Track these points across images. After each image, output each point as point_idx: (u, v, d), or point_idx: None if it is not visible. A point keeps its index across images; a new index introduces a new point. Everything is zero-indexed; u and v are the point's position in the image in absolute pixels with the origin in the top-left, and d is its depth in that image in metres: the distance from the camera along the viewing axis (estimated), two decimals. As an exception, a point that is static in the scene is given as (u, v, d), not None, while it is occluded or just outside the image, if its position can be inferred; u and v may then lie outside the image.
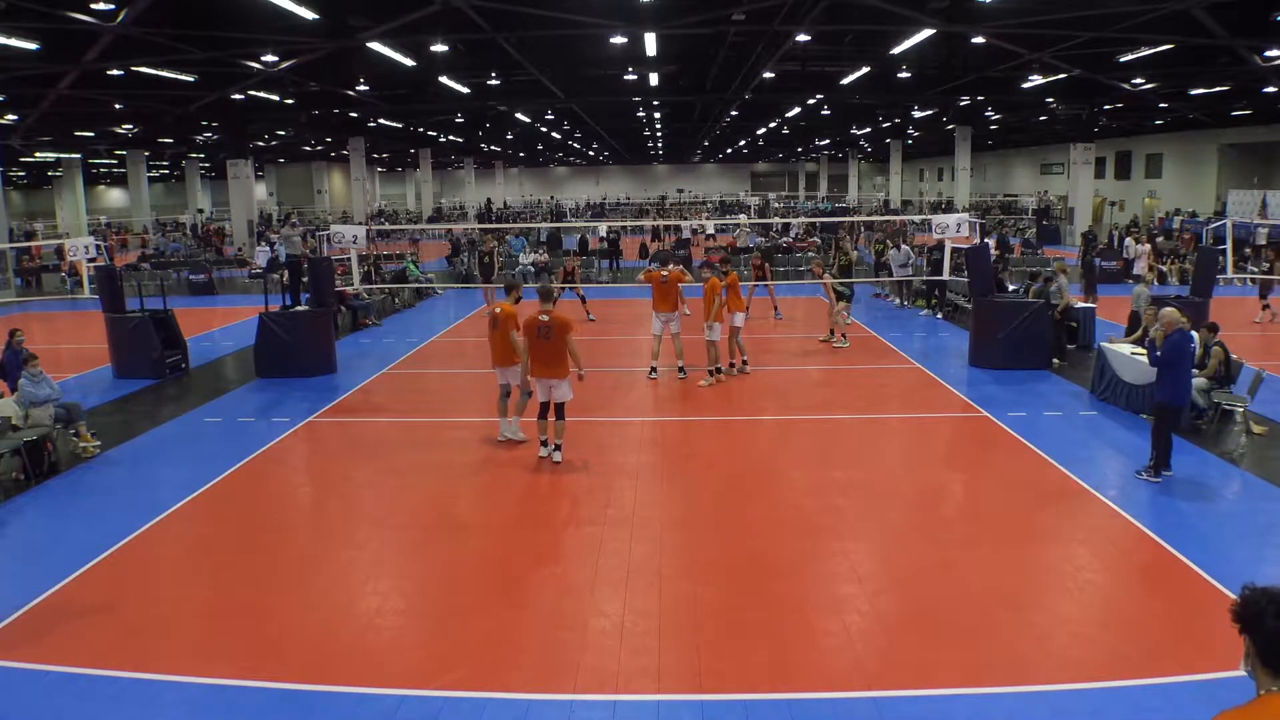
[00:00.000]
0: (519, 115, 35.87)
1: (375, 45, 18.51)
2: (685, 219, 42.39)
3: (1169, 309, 8.36)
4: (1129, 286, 21.61)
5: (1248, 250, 24.25)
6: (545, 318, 8.85)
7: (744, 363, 13.16)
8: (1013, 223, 41.18)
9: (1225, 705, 2.42)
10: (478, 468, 9.20)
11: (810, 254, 25.67)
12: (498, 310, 9.58)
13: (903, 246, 20.28)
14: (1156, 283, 21.96)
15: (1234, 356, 10.34)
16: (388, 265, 24.30)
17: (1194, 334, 9.44)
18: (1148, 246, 23.19)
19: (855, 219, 35.71)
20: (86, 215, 40.82)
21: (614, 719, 4.80)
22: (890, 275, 20.31)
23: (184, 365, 14.03)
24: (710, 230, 34.96)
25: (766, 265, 19.29)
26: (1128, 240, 25.51)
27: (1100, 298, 18.01)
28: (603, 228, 30.68)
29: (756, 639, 5.56)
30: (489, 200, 58.26)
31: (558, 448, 9.02)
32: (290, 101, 27.80)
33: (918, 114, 37.21)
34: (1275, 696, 2.30)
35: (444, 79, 24.42)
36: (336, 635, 5.72)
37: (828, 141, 57.61)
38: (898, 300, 20.31)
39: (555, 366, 8.93)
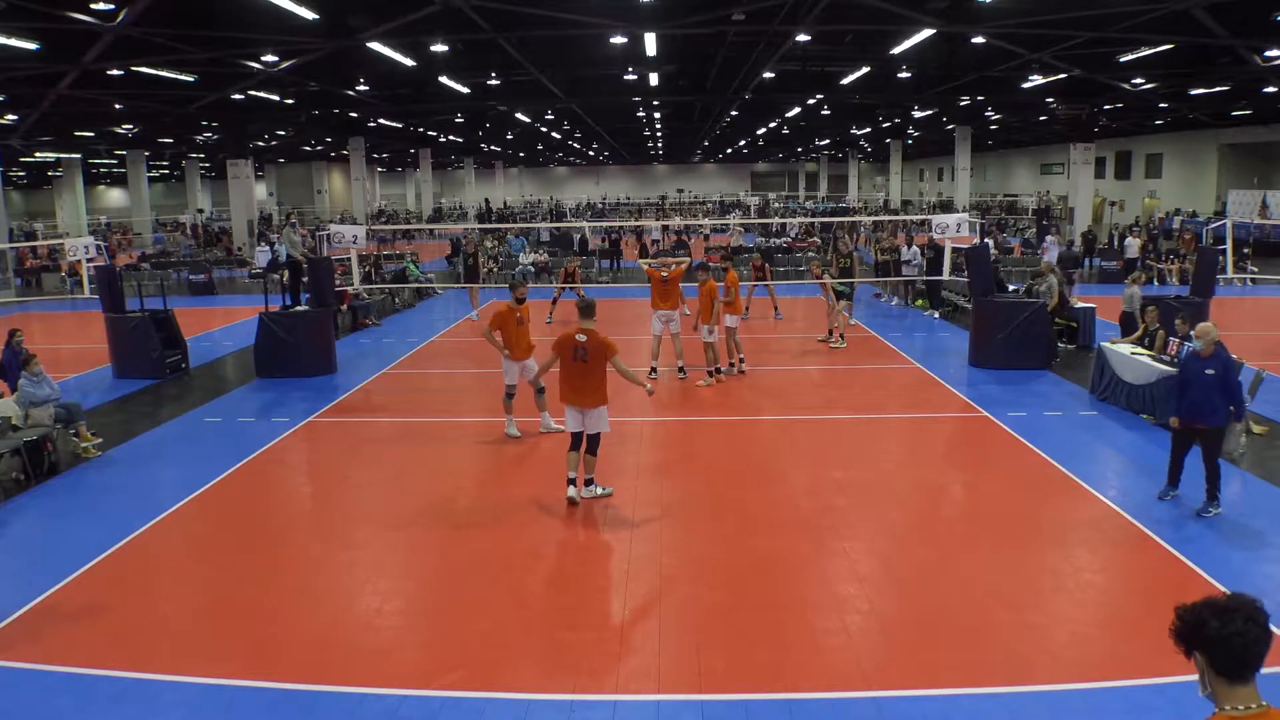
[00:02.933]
0: (519, 115, 35.85)
1: (375, 45, 18.50)
2: (688, 218, 42.18)
3: (1208, 324, 7.84)
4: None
5: (1246, 250, 24.30)
6: (583, 337, 7.58)
7: (741, 361, 13.17)
8: (1012, 223, 41.15)
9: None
10: (478, 468, 9.21)
11: (810, 254, 25.65)
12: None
13: (913, 245, 20.25)
14: (1157, 282, 21.99)
15: (1234, 357, 10.31)
16: (388, 265, 24.29)
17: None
18: (1136, 241, 23.62)
19: (857, 218, 35.61)
20: (86, 215, 40.80)
21: (614, 719, 4.81)
22: (897, 274, 20.23)
23: (184, 365, 14.02)
24: (656, 237, 32.20)
25: (766, 265, 19.28)
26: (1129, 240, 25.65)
27: (1097, 298, 17.98)
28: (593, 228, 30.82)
29: (756, 639, 5.56)
30: (487, 200, 58.27)
31: (589, 482, 7.91)
32: (290, 101, 27.79)
33: (918, 114, 37.19)
34: (1240, 716, 2.17)
35: (444, 79, 24.41)
36: (336, 635, 5.72)
37: (828, 141, 57.62)
38: (896, 300, 20.30)
39: (590, 394, 7.61)
